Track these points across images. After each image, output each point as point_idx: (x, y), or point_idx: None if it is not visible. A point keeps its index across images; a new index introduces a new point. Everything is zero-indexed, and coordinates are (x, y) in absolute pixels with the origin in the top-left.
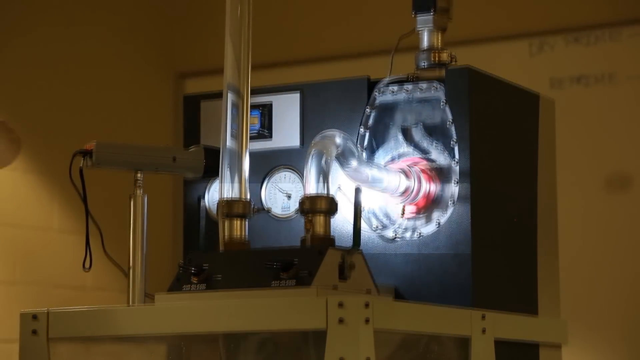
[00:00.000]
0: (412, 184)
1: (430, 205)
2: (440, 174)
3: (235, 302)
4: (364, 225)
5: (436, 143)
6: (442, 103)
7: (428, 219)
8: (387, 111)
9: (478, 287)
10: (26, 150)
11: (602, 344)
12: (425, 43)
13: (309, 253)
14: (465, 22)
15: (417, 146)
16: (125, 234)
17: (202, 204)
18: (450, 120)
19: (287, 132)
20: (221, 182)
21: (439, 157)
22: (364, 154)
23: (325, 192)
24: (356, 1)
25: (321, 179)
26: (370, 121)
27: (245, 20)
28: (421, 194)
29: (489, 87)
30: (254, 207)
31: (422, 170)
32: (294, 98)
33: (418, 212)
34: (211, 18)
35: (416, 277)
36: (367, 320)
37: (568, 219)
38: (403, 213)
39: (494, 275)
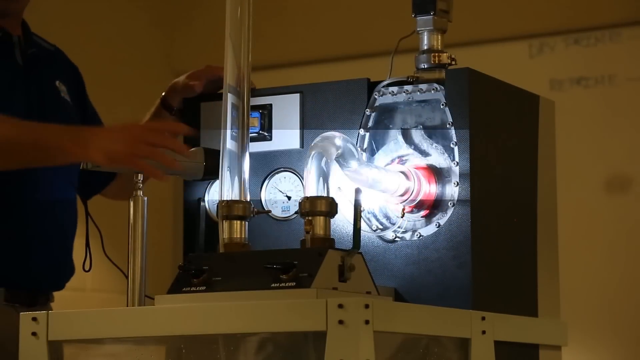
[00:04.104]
0: (412, 185)
1: (430, 206)
2: (440, 176)
3: (235, 304)
4: (363, 227)
5: (436, 144)
6: (442, 104)
7: (428, 220)
8: (387, 113)
9: (478, 288)
10: None
11: (602, 345)
12: (425, 45)
13: (309, 255)
14: (465, 24)
15: (417, 148)
16: (125, 236)
17: (202, 205)
18: (450, 121)
19: (287, 133)
20: (221, 184)
21: (439, 158)
22: (364, 156)
23: (325, 193)
24: (356, 3)
25: (321, 180)
26: (370, 123)
27: (245, 22)
28: (421, 195)
29: (488, 88)
30: (253, 209)
31: (422, 172)
32: (294, 99)
33: (424, 214)
34: (211, 18)
35: (416, 279)
36: (367, 322)
37: (568, 219)
38: (403, 214)
39: (493, 276)
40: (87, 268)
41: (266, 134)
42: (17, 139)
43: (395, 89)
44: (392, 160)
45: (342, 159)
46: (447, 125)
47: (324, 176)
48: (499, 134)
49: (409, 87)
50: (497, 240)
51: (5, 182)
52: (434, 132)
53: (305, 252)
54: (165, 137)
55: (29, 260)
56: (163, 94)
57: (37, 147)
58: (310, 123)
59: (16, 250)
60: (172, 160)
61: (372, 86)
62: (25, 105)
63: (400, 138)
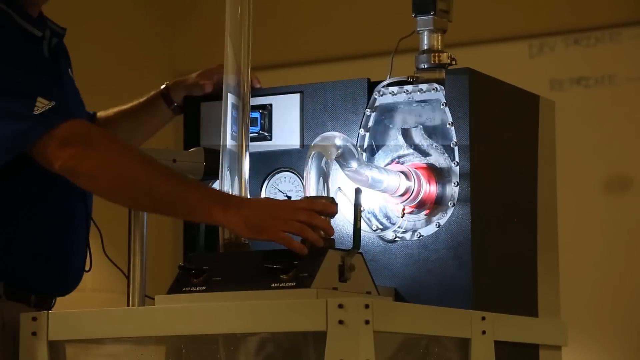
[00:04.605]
0: (412, 185)
1: (430, 206)
2: (440, 176)
3: (235, 304)
4: (363, 227)
5: (436, 144)
6: (442, 104)
7: (428, 220)
8: (387, 113)
9: (478, 288)
10: None
11: (602, 345)
12: (425, 45)
13: (309, 254)
14: (465, 24)
15: (417, 148)
16: (125, 236)
17: None
18: (450, 121)
19: (287, 133)
20: (221, 184)
21: (439, 158)
22: (364, 156)
23: (325, 193)
24: (356, 3)
25: (321, 180)
26: (370, 122)
27: (245, 22)
28: (421, 195)
29: (489, 88)
30: None
31: (422, 172)
32: (294, 99)
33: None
34: (211, 18)
35: (416, 279)
36: (367, 322)
37: (568, 219)
38: (403, 214)
39: (493, 276)
40: (87, 268)
41: (266, 134)
42: (173, 196)
43: (395, 89)
44: (392, 160)
45: (342, 159)
46: (447, 125)
47: (324, 176)
48: (499, 134)
49: (409, 87)
50: (497, 240)
51: (34, 192)
52: (434, 132)
53: None
54: (316, 217)
55: (62, 268)
56: (164, 85)
57: (185, 205)
58: (310, 123)
59: (51, 257)
60: (319, 239)
61: (372, 86)
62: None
63: (400, 138)
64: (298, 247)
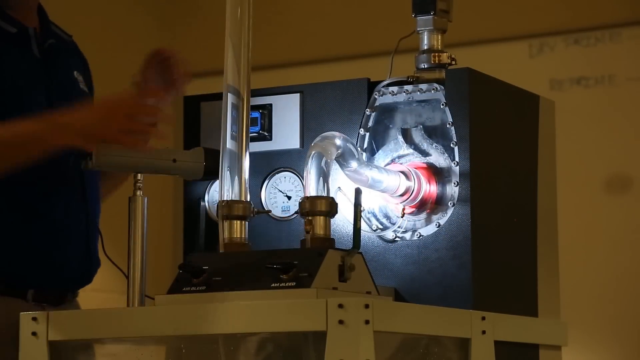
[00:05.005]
0: (412, 185)
1: (430, 206)
2: (440, 175)
3: (235, 304)
4: (363, 226)
5: (436, 144)
6: (442, 104)
7: (428, 220)
8: (387, 113)
9: (478, 288)
10: None
11: (602, 345)
12: (425, 44)
13: (309, 254)
14: (465, 24)
15: (417, 147)
16: (125, 236)
17: (202, 205)
18: (450, 121)
19: (287, 133)
20: (221, 184)
21: (439, 158)
22: (364, 156)
23: (325, 193)
24: (356, 3)
25: (321, 180)
26: (370, 122)
27: (245, 22)
28: (421, 195)
29: (489, 88)
30: (253, 209)
31: (422, 172)
32: (294, 99)
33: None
34: (211, 18)
35: (416, 279)
36: (367, 322)
37: (568, 219)
38: (403, 214)
39: (493, 276)
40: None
41: (266, 134)
42: (9, 148)
43: (395, 88)
44: (392, 160)
45: (342, 159)
46: (447, 125)
47: (324, 176)
48: (499, 134)
49: (409, 87)
50: (497, 240)
51: (32, 182)
52: (434, 132)
53: (305, 252)
54: (143, 106)
55: (59, 260)
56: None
57: (14, 143)
58: (310, 123)
59: (45, 250)
60: (151, 128)
61: (372, 86)
62: (46, 98)
63: (400, 138)
64: (132, 143)
